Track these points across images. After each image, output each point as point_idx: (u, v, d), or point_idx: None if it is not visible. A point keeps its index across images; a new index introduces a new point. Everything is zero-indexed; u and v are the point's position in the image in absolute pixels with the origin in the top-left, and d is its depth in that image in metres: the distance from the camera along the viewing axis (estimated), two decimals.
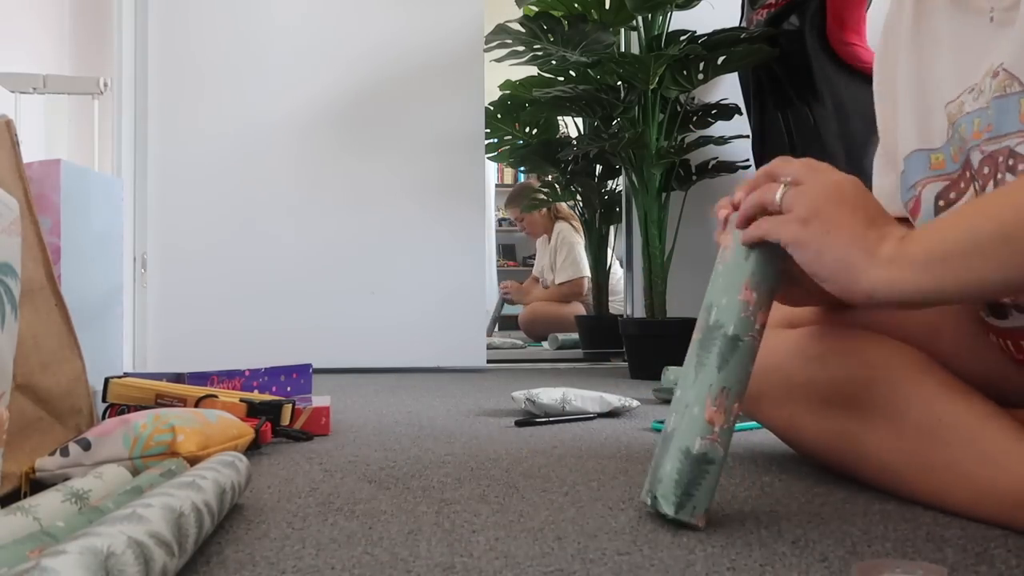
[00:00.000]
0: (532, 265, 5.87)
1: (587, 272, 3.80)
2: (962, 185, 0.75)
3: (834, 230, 0.65)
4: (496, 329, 4.29)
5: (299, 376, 1.52)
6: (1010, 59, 0.68)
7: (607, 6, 2.28)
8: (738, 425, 1.26)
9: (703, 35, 2.22)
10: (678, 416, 0.71)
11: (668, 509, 0.69)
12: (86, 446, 0.82)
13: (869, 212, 0.67)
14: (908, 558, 0.62)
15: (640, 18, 2.29)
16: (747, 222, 0.72)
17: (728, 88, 2.52)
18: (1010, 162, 0.69)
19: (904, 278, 0.63)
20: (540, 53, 2.25)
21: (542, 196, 3.62)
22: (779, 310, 0.94)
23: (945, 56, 0.79)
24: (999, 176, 0.69)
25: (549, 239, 4.19)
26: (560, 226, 4.09)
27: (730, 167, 2.45)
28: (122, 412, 1.14)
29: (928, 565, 0.53)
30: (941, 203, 0.78)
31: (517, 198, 4.15)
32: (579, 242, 3.97)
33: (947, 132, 0.77)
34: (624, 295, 2.88)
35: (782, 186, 0.70)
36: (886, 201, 0.85)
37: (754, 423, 1.25)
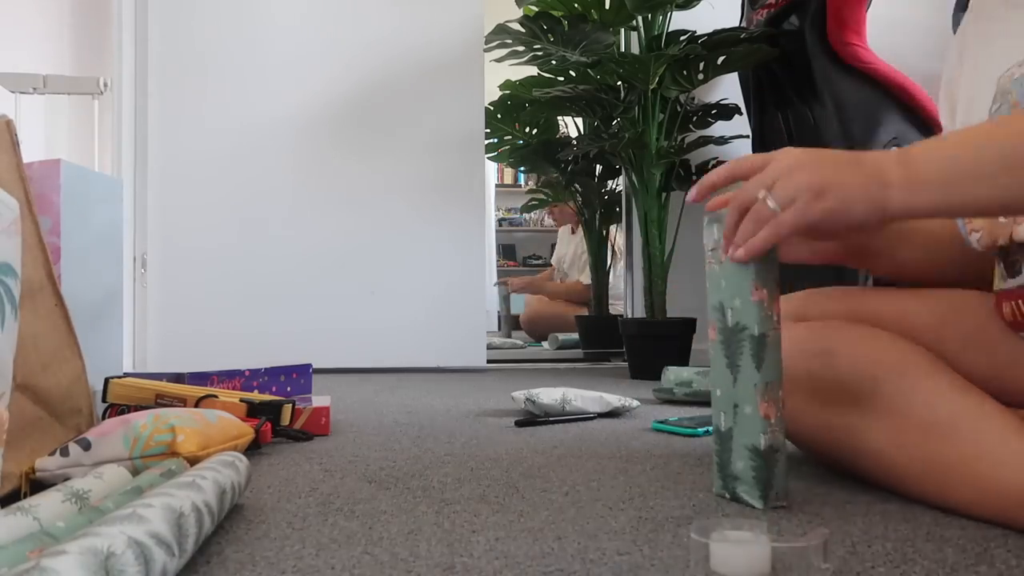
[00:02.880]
0: (532, 265, 5.87)
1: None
2: None
3: (846, 186, 0.68)
4: (500, 328, 4.28)
5: (299, 376, 1.52)
6: None
7: (607, 6, 2.28)
8: None
9: (703, 35, 2.22)
10: (728, 416, 0.78)
11: (757, 503, 0.77)
12: (86, 446, 0.82)
13: (845, 156, 0.71)
14: (908, 558, 0.62)
15: (640, 18, 2.29)
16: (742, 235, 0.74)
17: (728, 88, 2.52)
18: None
19: (918, 200, 0.68)
20: (540, 53, 2.25)
21: (542, 196, 3.62)
22: (787, 305, 0.94)
23: (996, 34, 0.83)
24: None
25: (573, 230, 4.17)
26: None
27: None
28: (122, 412, 1.14)
29: (754, 521, 0.57)
30: None
31: (533, 191, 4.08)
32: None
33: (995, 101, 0.80)
34: (624, 295, 2.88)
35: (763, 193, 0.71)
36: None
37: None
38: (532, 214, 5.67)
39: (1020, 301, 0.79)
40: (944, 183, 0.67)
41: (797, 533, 0.68)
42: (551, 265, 4.44)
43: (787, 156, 0.71)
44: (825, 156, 0.70)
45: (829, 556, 0.60)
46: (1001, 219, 0.79)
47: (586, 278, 4.03)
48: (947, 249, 0.90)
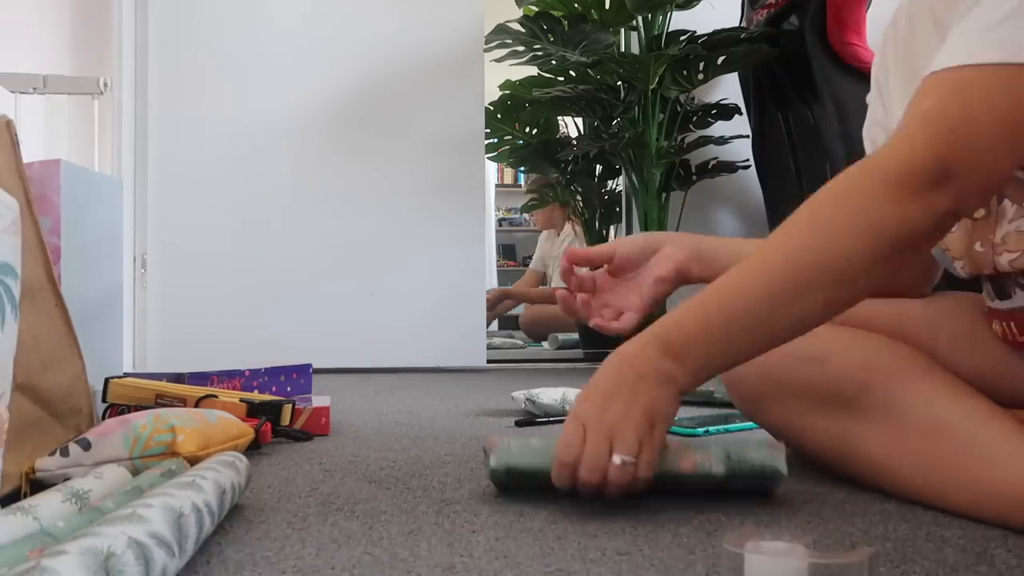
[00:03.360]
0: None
1: None
2: None
3: (661, 401, 0.73)
4: (496, 328, 4.28)
5: (299, 376, 1.52)
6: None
7: (607, 6, 2.28)
8: (737, 425, 1.26)
9: (703, 35, 2.22)
10: None
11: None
12: (86, 446, 0.82)
13: (624, 383, 0.73)
14: (908, 558, 0.62)
15: (640, 18, 2.29)
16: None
17: (728, 88, 2.52)
18: None
19: (704, 378, 0.74)
20: (540, 53, 2.25)
21: (544, 196, 3.62)
22: None
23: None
24: None
25: (558, 233, 4.18)
26: (569, 228, 4.07)
27: (730, 167, 2.45)
28: (122, 412, 1.14)
29: (794, 532, 0.55)
30: None
31: (531, 190, 4.09)
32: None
33: None
34: None
35: (618, 459, 0.72)
36: None
37: (753, 424, 1.25)
38: (532, 214, 5.67)
39: (1012, 323, 0.79)
40: (713, 364, 0.73)
41: (838, 548, 0.67)
42: (534, 269, 4.41)
43: (581, 416, 0.73)
44: (610, 391, 0.73)
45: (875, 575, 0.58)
46: (979, 247, 0.79)
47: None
48: None
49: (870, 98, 0.96)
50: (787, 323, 0.71)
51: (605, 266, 0.95)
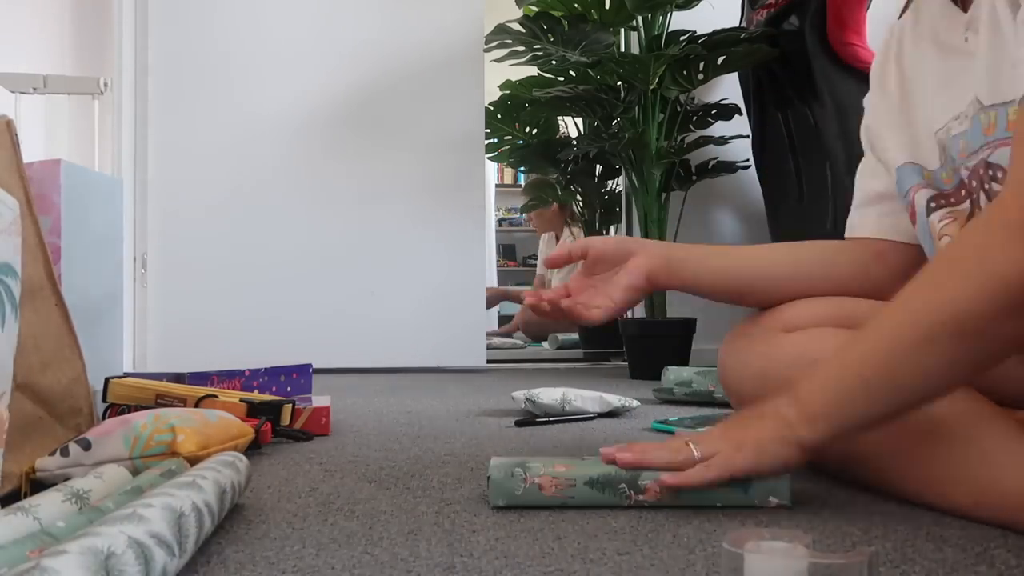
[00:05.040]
0: (532, 265, 5.86)
1: None
2: (958, 196, 0.81)
3: (758, 437, 0.74)
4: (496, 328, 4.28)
5: (299, 376, 1.52)
6: (982, 90, 0.74)
7: (607, 6, 2.28)
8: None
9: (703, 35, 2.22)
10: None
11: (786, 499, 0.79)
12: (86, 446, 0.82)
13: (749, 413, 0.78)
14: (908, 558, 0.62)
15: (640, 18, 2.29)
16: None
17: (728, 88, 2.52)
18: (990, 172, 0.74)
19: (819, 431, 0.72)
20: (540, 53, 2.25)
21: (544, 196, 3.62)
22: (778, 315, 0.94)
23: (931, 87, 0.84)
24: (986, 186, 0.75)
25: (557, 238, 4.16)
26: (569, 231, 4.05)
27: (730, 167, 2.45)
28: (122, 412, 1.14)
29: (794, 532, 0.54)
30: (933, 204, 0.83)
31: (527, 191, 4.07)
32: None
33: (940, 158, 0.82)
34: None
35: (694, 449, 0.75)
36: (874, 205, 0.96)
37: None
38: (528, 217, 5.66)
39: None
40: (834, 416, 0.72)
41: (838, 548, 0.67)
42: (539, 275, 4.40)
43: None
44: (732, 419, 0.79)
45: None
46: None
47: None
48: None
49: (867, 101, 0.97)
50: (911, 381, 0.68)
51: (580, 263, 0.96)
